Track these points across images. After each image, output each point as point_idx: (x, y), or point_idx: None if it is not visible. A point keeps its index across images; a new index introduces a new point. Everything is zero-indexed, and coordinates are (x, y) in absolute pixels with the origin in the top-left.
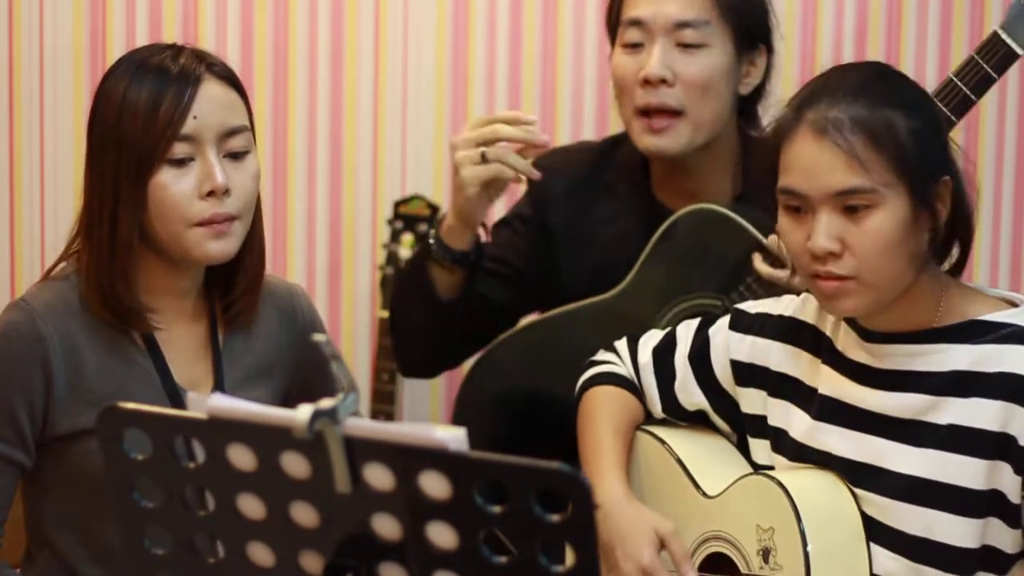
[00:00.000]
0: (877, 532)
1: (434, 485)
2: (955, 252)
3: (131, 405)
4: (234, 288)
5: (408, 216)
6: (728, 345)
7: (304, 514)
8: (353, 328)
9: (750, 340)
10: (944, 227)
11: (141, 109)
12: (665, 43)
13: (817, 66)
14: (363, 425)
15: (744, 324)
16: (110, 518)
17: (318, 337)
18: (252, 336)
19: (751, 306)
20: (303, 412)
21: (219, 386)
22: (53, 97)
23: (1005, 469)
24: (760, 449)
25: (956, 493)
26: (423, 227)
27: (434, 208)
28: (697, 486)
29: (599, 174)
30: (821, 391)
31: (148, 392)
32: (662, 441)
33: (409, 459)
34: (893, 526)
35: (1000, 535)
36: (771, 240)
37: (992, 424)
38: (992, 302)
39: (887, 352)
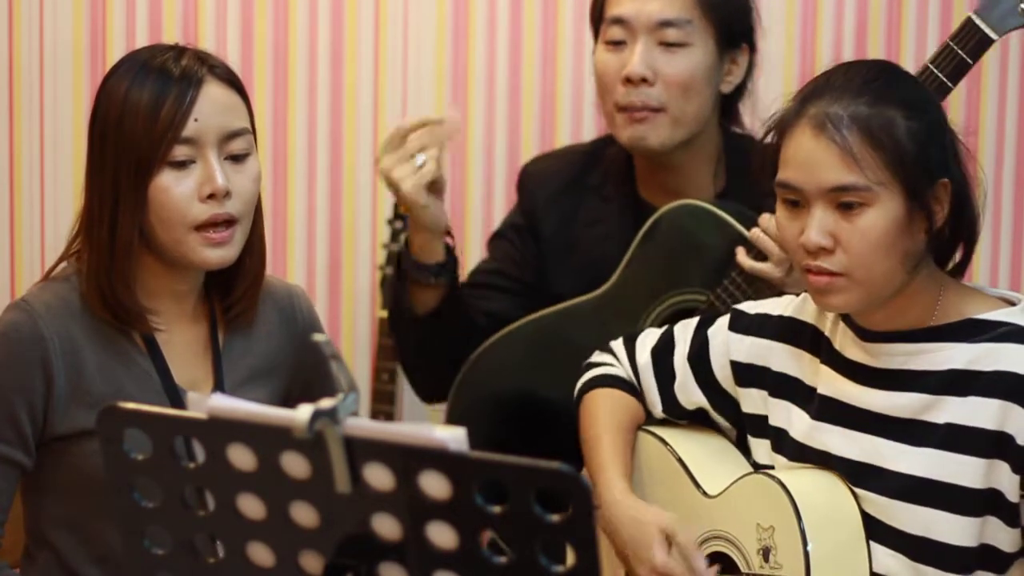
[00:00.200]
0: (877, 531)
1: (434, 485)
2: (958, 253)
3: (131, 405)
4: (234, 289)
5: (408, 216)
6: (728, 346)
7: (304, 514)
8: (353, 328)
9: (750, 341)
10: (946, 228)
11: (142, 110)
12: (647, 41)
13: (817, 66)
14: (363, 425)
15: (743, 325)
16: (110, 518)
17: (318, 337)
18: (252, 337)
19: (750, 307)
20: (303, 412)
21: (219, 387)
22: (53, 97)
23: (1003, 468)
24: (760, 449)
25: (954, 492)
26: None
27: None
28: (698, 485)
29: (585, 177)
30: (820, 391)
31: (148, 393)
32: (663, 441)
33: (409, 459)
34: (892, 525)
35: (998, 534)
36: (754, 233)
37: (990, 423)
38: (990, 301)
39: (885, 351)
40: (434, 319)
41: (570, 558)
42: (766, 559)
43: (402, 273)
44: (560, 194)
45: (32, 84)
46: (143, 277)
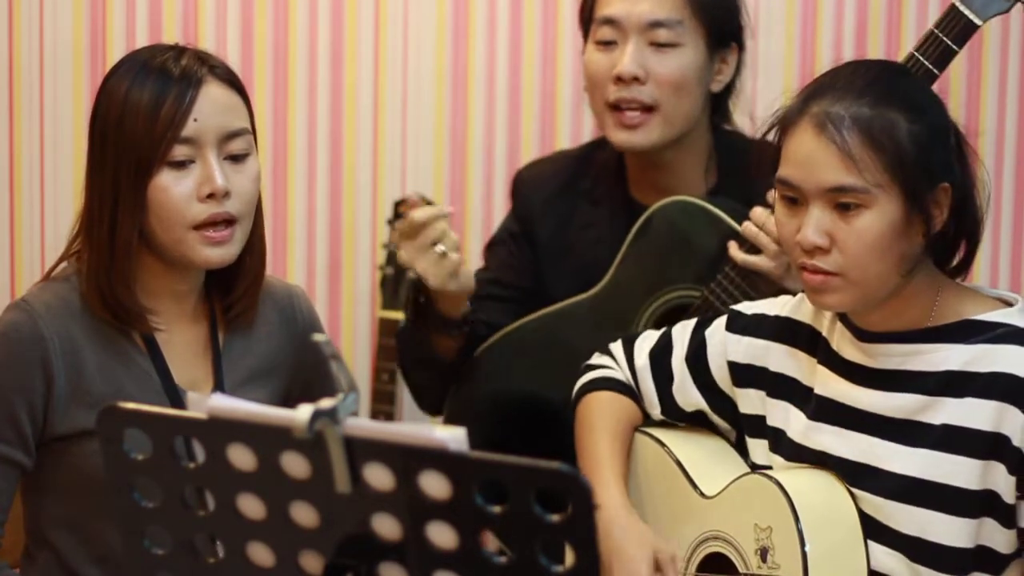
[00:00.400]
0: (874, 531)
1: (434, 485)
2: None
3: (131, 405)
4: (234, 289)
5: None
6: (725, 346)
7: (304, 514)
8: (353, 328)
9: (747, 341)
10: (947, 230)
11: (142, 110)
12: (638, 42)
13: (817, 66)
14: (363, 425)
15: (740, 325)
16: (110, 518)
17: (318, 337)
18: (252, 337)
19: (747, 307)
20: (303, 412)
21: (219, 387)
22: (53, 97)
23: (999, 469)
24: (758, 449)
25: (950, 493)
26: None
27: None
28: (695, 486)
29: (577, 181)
30: (817, 391)
31: (148, 393)
32: (661, 442)
33: (409, 459)
34: (889, 525)
35: (994, 535)
36: (746, 227)
37: (986, 424)
38: (987, 302)
39: (881, 351)
40: (456, 359)
41: (570, 558)
42: (764, 559)
43: (423, 323)
44: (554, 198)
45: (32, 84)
46: (143, 277)
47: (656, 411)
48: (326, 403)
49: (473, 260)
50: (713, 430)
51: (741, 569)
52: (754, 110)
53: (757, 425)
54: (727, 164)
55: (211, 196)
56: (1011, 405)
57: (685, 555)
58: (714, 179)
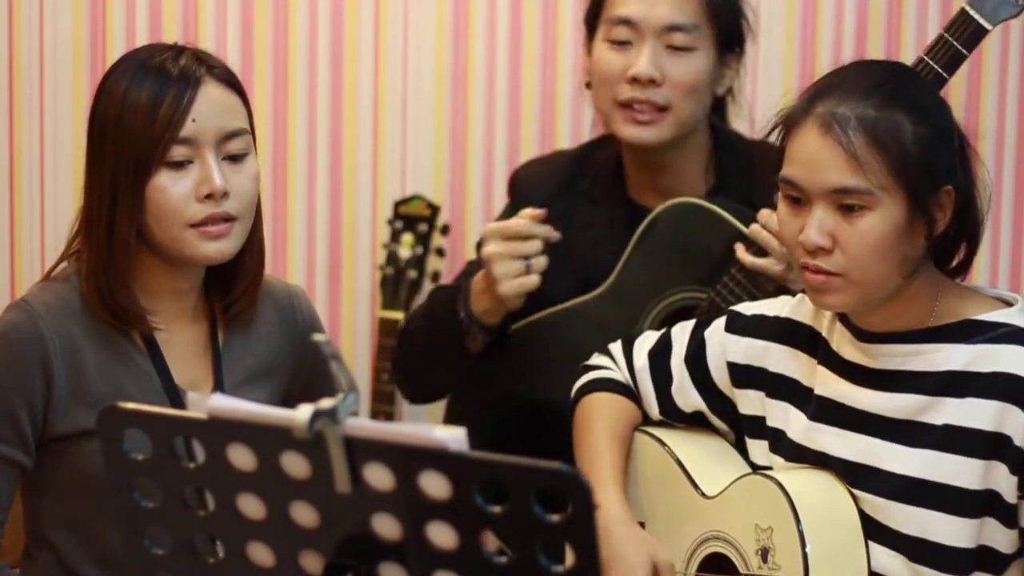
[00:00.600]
0: (875, 531)
1: (434, 485)
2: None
3: (131, 405)
4: (233, 288)
5: (408, 216)
6: (724, 347)
7: (304, 514)
8: (353, 328)
9: (747, 342)
10: (948, 232)
11: (141, 110)
12: (655, 44)
13: (817, 66)
14: (363, 425)
15: (740, 326)
16: (109, 519)
17: (318, 337)
18: (252, 337)
19: (747, 308)
20: (303, 412)
21: (219, 387)
22: (53, 97)
23: (1001, 469)
24: (758, 450)
25: (951, 493)
26: (423, 227)
27: (434, 208)
28: (696, 486)
29: (576, 181)
30: (817, 391)
31: (148, 393)
32: (661, 442)
33: (409, 459)
34: (890, 526)
35: (996, 535)
36: (753, 229)
37: (987, 424)
38: (987, 302)
39: (882, 352)
40: (470, 363)
41: (570, 558)
42: (764, 560)
43: (457, 327)
44: (553, 198)
45: (32, 84)
46: (142, 276)
47: (655, 411)
48: (326, 403)
49: None
50: (714, 430)
51: (742, 569)
52: (753, 111)
53: (757, 426)
54: (726, 165)
55: (209, 196)
56: (1012, 405)
57: (686, 555)
58: (713, 180)
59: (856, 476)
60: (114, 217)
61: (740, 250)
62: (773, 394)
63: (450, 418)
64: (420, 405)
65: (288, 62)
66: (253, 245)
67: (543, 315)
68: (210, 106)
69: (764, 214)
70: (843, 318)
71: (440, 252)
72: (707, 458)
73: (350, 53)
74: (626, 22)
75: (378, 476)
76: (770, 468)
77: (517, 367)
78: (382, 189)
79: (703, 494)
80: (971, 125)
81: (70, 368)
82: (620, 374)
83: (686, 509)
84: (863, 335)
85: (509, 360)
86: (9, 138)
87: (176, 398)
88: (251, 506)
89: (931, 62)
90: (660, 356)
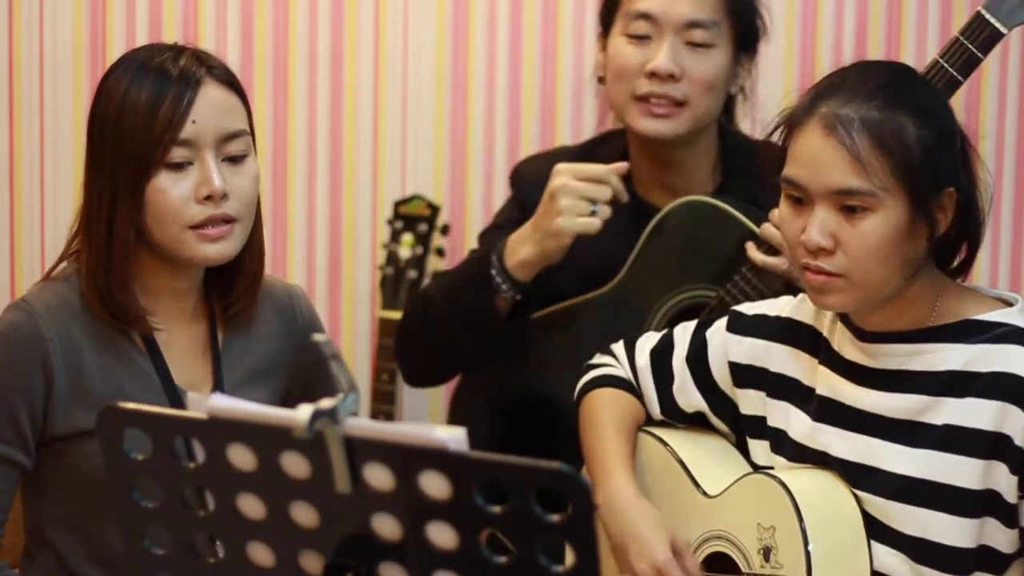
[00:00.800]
0: (876, 531)
1: (434, 485)
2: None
3: (131, 405)
4: (233, 289)
5: (408, 216)
6: (726, 347)
7: (304, 514)
8: (353, 328)
9: (748, 342)
10: (950, 234)
11: (140, 110)
12: (674, 40)
13: (817, 66)
14: (363, 425)
15: (741, 326)
16: (109, 519)
17: (318, 337)
18: (251, 337)
19: (748, 308)
20: (303, 412)
21: (218, 387)
22: (53, 97)
23: (1001, 469)
24: (759, 450)
25: (952, 493)
26: (423, 227)
27: (434, 208)
28: (698, 486)
29: None
30: (818, 391)
31: (148, 393)
32: (663, 442)
33: (409, 459)
34: (891, 526)
35: (996, 535)
36: (765, 228)
37: (987, 424)
38: (988, 302)
39: (883, 352)
40: (499, 326)
41: (570, 558)
42: (767, 559)
43: (488, 277)
44: None
45: (32, 84)
46: (142, 276)
47: (656, 410)
48: (326, 403)
49: None
50: (714, 431)
51: (744, 569)
52: (754, 111)
53: (758, 426)
54: (733, 164)
55: (209, 198)
56: (1012, 405)
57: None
58: (720, 179)
59: (857, 476)
60: (114, 217)
61: (751, 249)
62: (774, 394)
63: (455, 414)
64: (419, 387)
65: (288, 62)
66: (253, 245)
67: (550, 311)
68: (210, 107)
69: (776, 213)
70: (844, 318)
71: (440, 252)
72: (709, 457)
73: (350, 53)
74: (646, 16)
75: (378, 476)
76: (771, 468)
77: (523, 363)
78: (382, 189)
79: (705, 493)
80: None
81: (70, 368)
82: (623, 372)
83: (688, 508)
84: (864, 335)
85: (515, 356)
86: (9, 138)
87: (176, 398)
88: (251, 506)
89: (946, 65)
90: (662, 356)
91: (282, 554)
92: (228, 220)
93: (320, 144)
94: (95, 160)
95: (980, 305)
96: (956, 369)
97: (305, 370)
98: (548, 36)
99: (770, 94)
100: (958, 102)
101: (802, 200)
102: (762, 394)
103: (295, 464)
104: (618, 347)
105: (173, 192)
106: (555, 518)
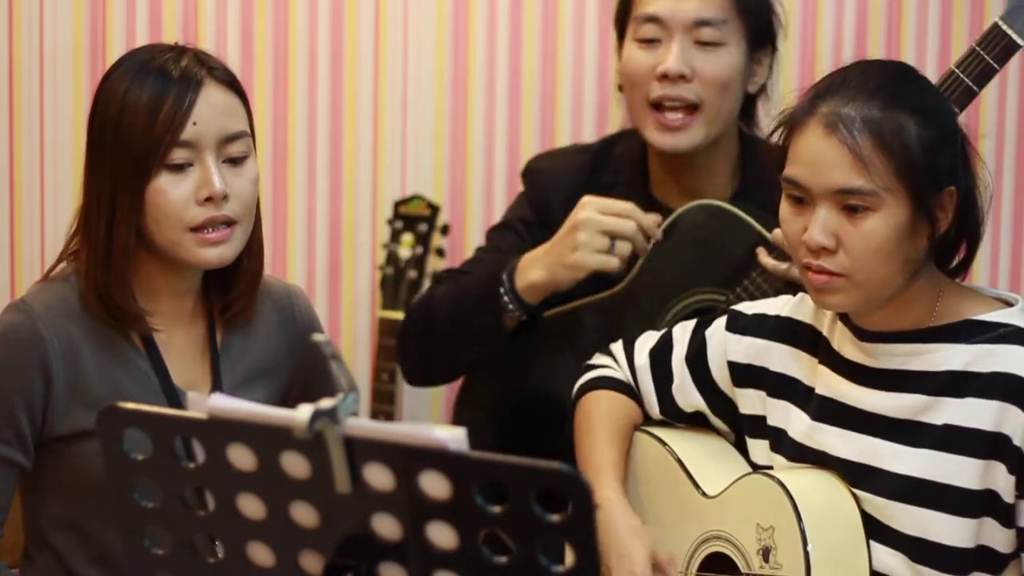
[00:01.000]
0: (875, 531)
1: (434, 485)
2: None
3: (131, 405)
4: (232, 289)
5: (408, 216)
6: (725, 347)
7: (304, 514)
8: (353, 328)
9: (747, 341)
10: (950, 233)
11: (141, 111)
12: (683, 40)
13: (817, 66)
14: (363, 425)
15: (741, 325)
16: (109, 519)
17: (318, 337)
18: (250, 337)
19: (747, 307)
20: (303, 412)
21: (217, 387)
22: (53, 97)
23: (999, 469)
24: (759, 449)
25: (951, 493)
26: (423, 227)
27: (434, 208)
28: (697, 486)
29: (597, 175)
30: (818, 391)
31: (147, 394)
32: (662, 442)
33: (409, 459)
34: (890, 526)
35: (995, 535)
36: (775, 234)
37: (987, 424)
38: (988, 302)
39: (882, 351)
40: (503, 344)
41: (570, 558)
42: (766, 559)
43: (498, 295)
44: (573, 192)
45: (32, 84)
46: (141, 277)
47: (655, 411)
48: (326, 403)
49: None
50: (714, 431)
51: (743, 569)
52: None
53: (757, 425)
54: (752, 168)
55: (209, 200)
56: (1012, 405)
57: (687, 555)
58: (739, 183)
59: (857, 476)
60: (113, 218)
61: (762, 254)
62: (774, 393)
63: (461, 411)
64: (419, 387)
65: (288, 62)
66: (252, 246)
67: (561, 311)
68: (211, 109)
69: None
70: (844, 317)
71: (440, 252)
72: (708, 457)
73: (350, 53)
74: (654, 19)
75: (378, 476)
76: (771, 468)
77: (531, 364)
78: (382, 189)
79: (704, 494)
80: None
81: (69, 369)
82: (621, 373)
83: (687, 509)
84: (864, 334)
85: (523, 357)
86: (9, 138)
87: (175, 399)
88: (251, 506)
89: (962, 75)
90: (661, 355)
91: (282, 554)
92: (228, 222)
93: (320, 144)
94: (95, 161)
95: (980, 305)
96: (956, 369)
97: (305, 370)
98: (548, 36)
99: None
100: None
101: (803, 200)
102: (762, 393)
103: (295, 464)
104: (617, 347)
105: (173, 193)
106: (555, 518)
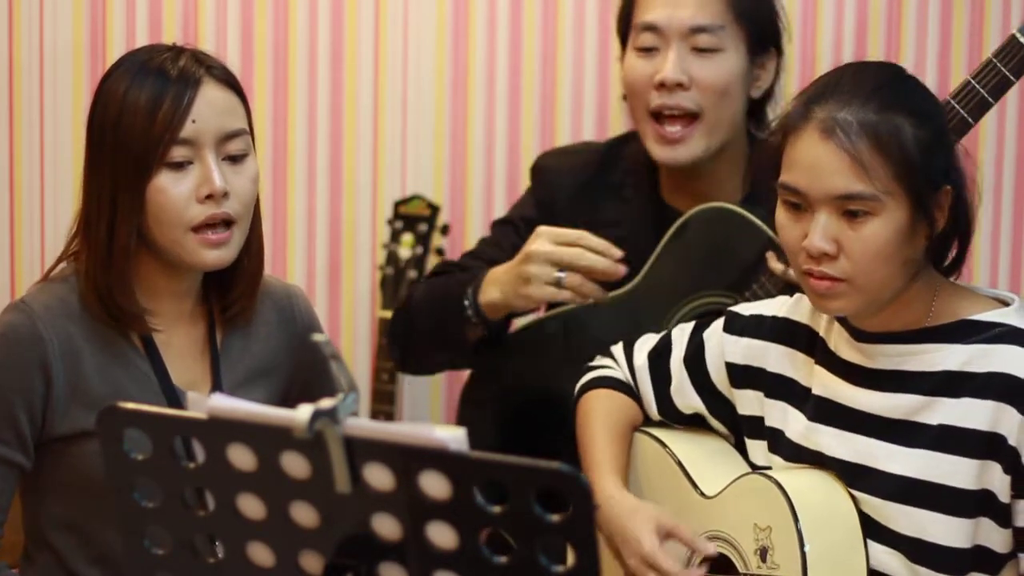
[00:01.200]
0: (872, 531)
1: (434, 485)
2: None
3: (131, 405)
4: (232, 289)
5: (408, 216)
6: (723, 348)
7: (304, 514)
8: (353, 328)
9: (745, 342)
10: (945, 231)
11: (140, 111)
12: (680, 47)
13: (817, 66)
14: (363, 425)
15: (738, 326)
16: (109, 519)
17: (318, 337)
18: (250, 337)
19: (745, 308)
20: (303, 412)
21: (217, 388)
22: (53, 97)
23: (995, 468)
24: (757, 450)
25: (947, 493)
26: (423, 227)
27: (434, 208)
28: (695, 486)
29: (605, 175)
30: (815, 391)
31: (146, 394)
32: (661, 442)
33: (409, 459)
34: (887, 526)
35: (991, 535)
36: None
37: (983, 424)
38: (984, 301)
39: (879, 352)
40: (468, 351)
41: (570, 558)
42: (763, 559)
43: (462, 307)
44: (579, 191)
45: (32, 84)
46: (141, 278)
47: (654, 412)
48: (326, 403)
49: None
50: (712, 430)
51: (741, 569)
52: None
53: (755, 426)
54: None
55: (210, 197)
56: (1008, 404)
57: (686, 555)
58: (749, 187)
59: (853, 476)
60: (114, 219)
61: (771, 259)
62: (771, 394)
63: (470, 411)
64: (413, 376)
65: (288, 62)
66: (252, 246)
67: (566, 311)
68: (210, 107)
69: None
70: (841, 318)
71: (440, 252)
72: (706, 458)
73: (350, 53)
74: (651, 28)
75: (378, 476)
76: (769, 468)
77: (535, 364)
78: (382, 189)
79: (702, 494)
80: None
81: (69, 369)
82: (620, 373)
83: (686, 509)
84: (861, 335)
85: (527, 357)
86: (9, 138)
87: (174, 399)
88: (251, 506)
89: (978, 86)
90: (659, 357)
91: (282, 554)
92: (228, 220)
93: (320, 144)
94: (95, 161)
95: (976, 305)
96: (952, 369)
97: (305, 370)
98: (548, 36)
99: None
100: None
101: (800, 206)
102: (760, 394)
103: (295, 464)
104: (617, 349)
105: (173, 192)
106: (555, 518)
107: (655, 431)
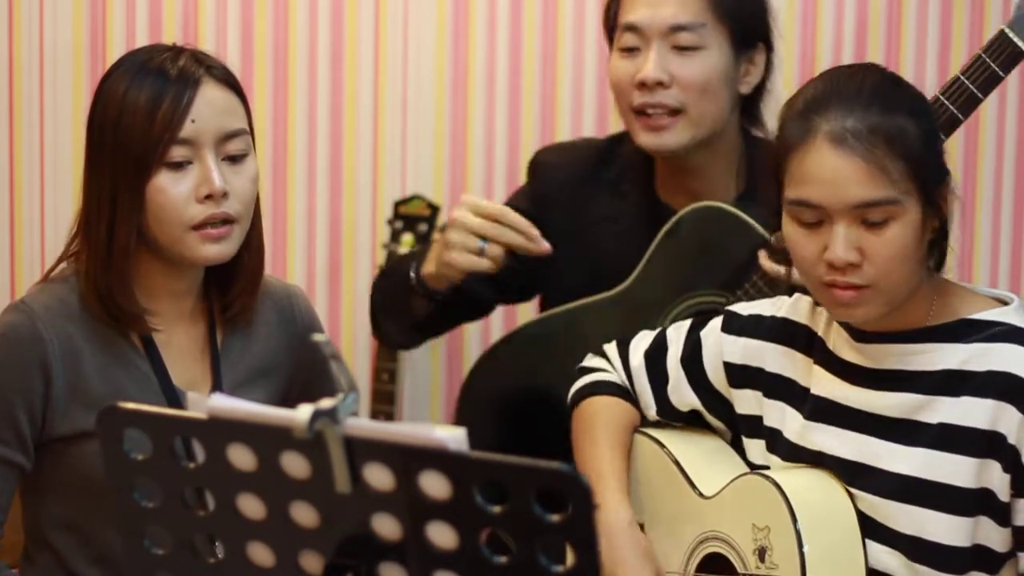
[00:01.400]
0: (872, 530)
1: (434, 485)
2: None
3: (131, 405)
4: (232, 289)
5: (408, 216)
6: (721, 347)
7: (304, 514)
8: (353, 328)
9: (743, 342)
10: (941, 226)
11: (140, 111)
12: (661, 46)
13: (817, 66)
14: (363, 425)
15: (736, 326)
16: (109, 519)
17: (318, 337)
18: (250, 337)
19: (743, 308)
20: (303, 412)
21: (217, 388)
22: (53, 97)
23: (995, 467)
24: (755, 449)
25: (947, 492)
26: (423, 227)
27: (434, 208)
28: (694, 487)
29: (601, 171)
30: (814, 391)
31: (146, 394)
32: (659, 443)
33: (409, 459)
34: (887, 525)
35: (991, 534)
36: (778, 237)
37: (982, 423)
38: (983, 301)
39: (878, 352)
40: (424, 320)
41: (570, 558)
42: (762, 559)
43: (407, 283)
44: (574, 186)
45: (32, 84)
46: (141, 277)
47: (652, 412)
48: (326, 403)
49: None
50: (711, 429)
51: (740, 569)
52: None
53: (753, 426)
54: (756, 169)
55: (209, 197)
56: (1007, 403)
57: (684, 555)
58: (743, 184)
59: (853, 475)
60: (114, 219)
61: (763, 257)
62: (770, 394)
63: (466, 411)
64: (397, 350)
65: (288, 62)
66: (252, 245)
67: (560, 310)
68: (209, 107)
69: None
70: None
71: None
72: (705, 458)
73: (350, 53)
74: (632, 28)
75: (378, 476)
76: (767, 467)
77: (535, 361)
78: (382, 189)
79: (701, 494)
80: (971, 124)
81: (69, 369)
82: (616, 376)
83: (684, 509)
84: (861, 336)
85: (525, 354)
86: (9, 138)
87: (174, 399)
88: (251, 506)
89: (967, 81)
90: (656, 356)
91: (282, 554)
92: (228, 220)
93: (320, 144)
94: (95, 161)
95: (976, 304)
96: (952, 368)
97: (305, 370)
98: (548, 36)
99: (771, 95)
100: None
101: (815, 220)
102: (758, 394)
103: (295, 464)
104: (611, 348)
105: (173, 191)
106: (555, 518)
107: (652, 431)
